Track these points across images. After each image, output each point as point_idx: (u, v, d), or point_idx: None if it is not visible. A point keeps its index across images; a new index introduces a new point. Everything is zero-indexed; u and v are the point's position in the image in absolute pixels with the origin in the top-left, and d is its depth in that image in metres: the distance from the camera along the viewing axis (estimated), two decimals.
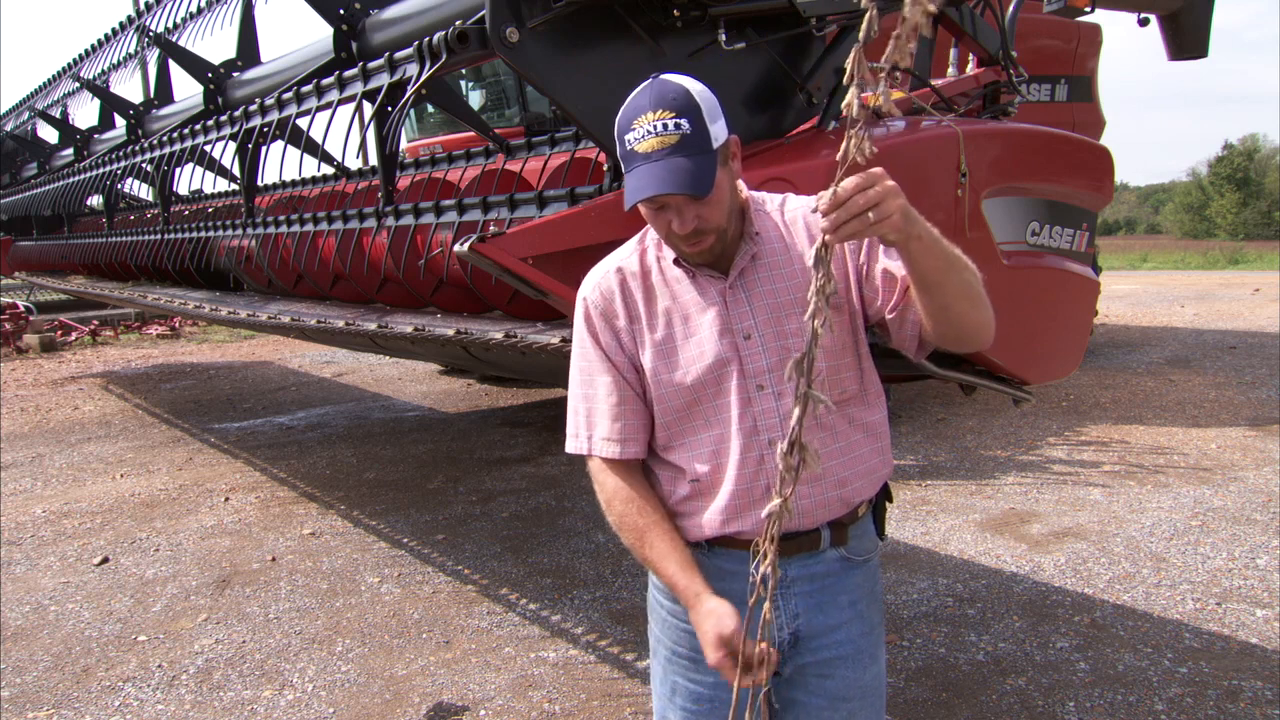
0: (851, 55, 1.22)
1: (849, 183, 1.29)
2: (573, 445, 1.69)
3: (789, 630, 1.65)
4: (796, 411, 1.31)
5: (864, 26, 1.22)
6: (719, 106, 1.53)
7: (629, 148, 1.50)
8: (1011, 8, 3.84)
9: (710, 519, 1.62)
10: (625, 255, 1.68)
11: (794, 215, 1.66)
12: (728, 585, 1.61)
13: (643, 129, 1.48)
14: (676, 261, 1.63)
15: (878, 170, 1.31)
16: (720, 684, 1.67)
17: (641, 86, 1.53)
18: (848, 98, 1.24)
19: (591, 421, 1.66)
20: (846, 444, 1.63)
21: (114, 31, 7.44)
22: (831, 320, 1.56)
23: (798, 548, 1.63)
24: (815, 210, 1.33)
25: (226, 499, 5.84)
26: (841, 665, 1.67)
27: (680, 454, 1.64)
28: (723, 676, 1.53)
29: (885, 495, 1.77)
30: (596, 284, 1.67)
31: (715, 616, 1.52)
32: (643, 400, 1.65)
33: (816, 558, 1.65)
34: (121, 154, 5.95)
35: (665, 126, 1.46)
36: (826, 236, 1.32)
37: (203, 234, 5.18)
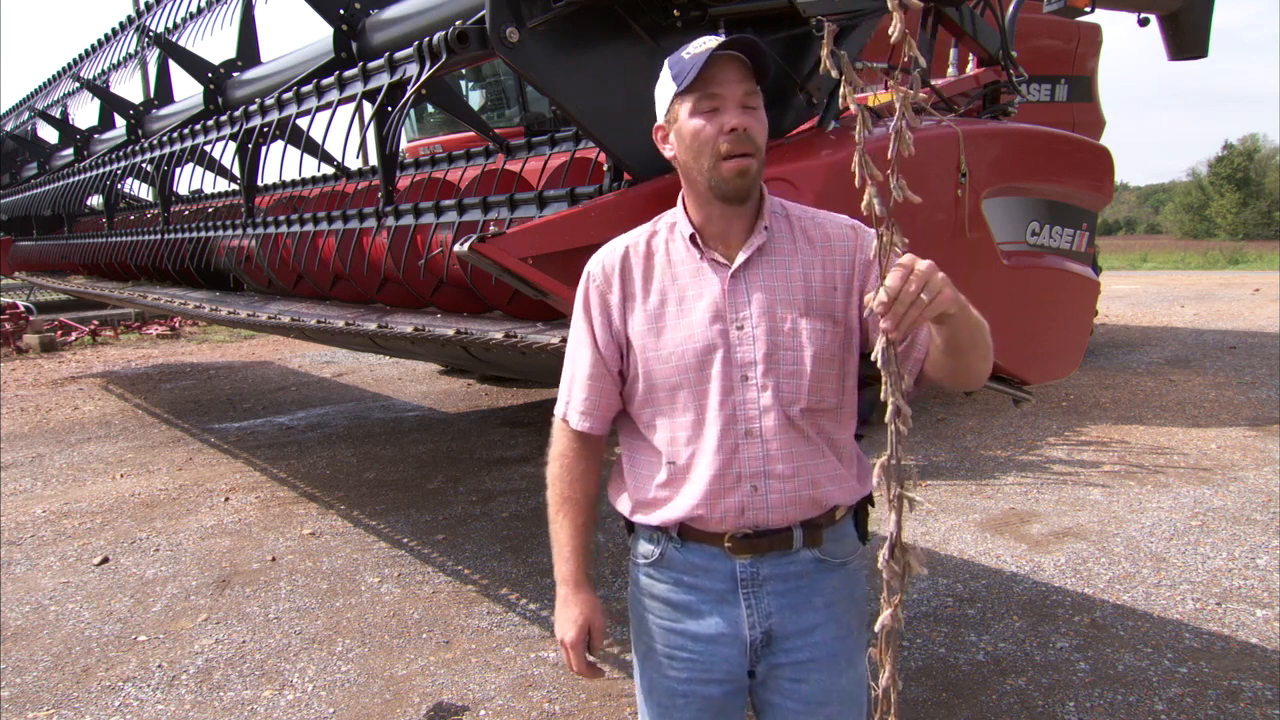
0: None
1: (893, 279, 1.30)
2: (558, 407, 1.79)
3: (761, 629, 1.66)
4: (894, 517, 1.29)
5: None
6: None
7: (687, 59, 1.55)
8: (1011, 8, 3.84)
9: (682, 503, 1.64)
10: (635, 235, 1.72)
11: (805, 223, 1.67)
12: (698, 580, 1.67)
13: (697, 41, 1.57)
14: (692, 239, 1.64)
15: (910, 256, 1.33)
16: (695, 680, 1.69)
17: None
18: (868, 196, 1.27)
19: (571, 390, 1.75)
20: (819, 448, 1.63)
21: (114, 31, 7.45)
22: (826, 329, 1.61)
23: (770, 546, 1.64)
24: (868, 313, 1.34)
25: (226, 499, 5.84)
26: (816, 669, 1.67)
27: (661, 436, 1.66)
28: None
29: (867, 499, 1.76)
30: (601, 260, 1.71)
31: (572, 616, 1.75)
32: (616, 383, 1.71)
33: (790, 558, 1.65)
34: (121, 154, 5.95)
35: (718, 39, 1.56)
36: (890, 335, 1.32)
37: (203, 234, 5.18)
